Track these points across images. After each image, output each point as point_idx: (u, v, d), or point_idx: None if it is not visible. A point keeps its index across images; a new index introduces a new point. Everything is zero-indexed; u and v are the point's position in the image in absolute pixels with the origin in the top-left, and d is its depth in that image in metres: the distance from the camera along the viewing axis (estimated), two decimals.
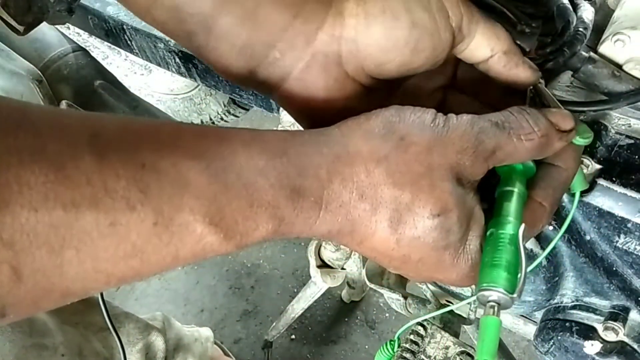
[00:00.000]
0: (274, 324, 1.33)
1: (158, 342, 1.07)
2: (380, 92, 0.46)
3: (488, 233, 0.41)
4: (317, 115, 0.44)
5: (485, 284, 0.39)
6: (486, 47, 0.45)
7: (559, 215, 0.57)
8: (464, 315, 0.67)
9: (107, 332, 0.96)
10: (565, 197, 0.56)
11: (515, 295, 0.39)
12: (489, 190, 0.43)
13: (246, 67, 0.44)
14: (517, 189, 0.42)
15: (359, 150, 0.38)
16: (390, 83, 0.46)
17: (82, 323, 0.94)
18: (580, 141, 0.45)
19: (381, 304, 1.52)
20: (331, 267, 0.80)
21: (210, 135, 0.36)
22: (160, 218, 0.31)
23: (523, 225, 0.41)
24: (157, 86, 1.41)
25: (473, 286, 0.60)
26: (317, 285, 0.87)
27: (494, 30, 0.45)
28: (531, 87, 0.49)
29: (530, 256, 0.59)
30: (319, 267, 0.79)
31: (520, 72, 0.46)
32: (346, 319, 1.51)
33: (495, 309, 0.39)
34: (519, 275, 0.40)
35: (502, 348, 0.90)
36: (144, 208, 0.30)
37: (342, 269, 0.80)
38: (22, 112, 0.29)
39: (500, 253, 0.39)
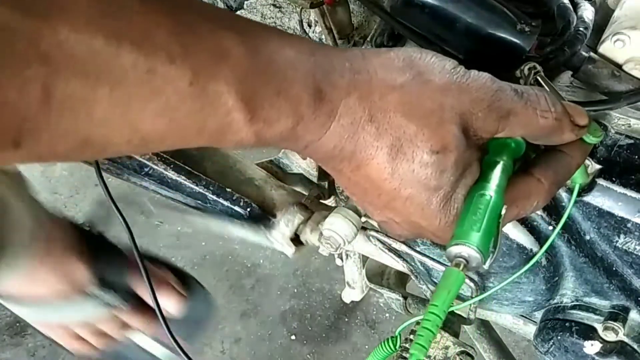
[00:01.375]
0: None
1: None
2: None
3: (469, 195, 0.41)
4: None
5: (457, 239, 0.39)
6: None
7: (558, 216, 0.57)
8: (464, 315, 0.67)
9: None
10: (565, 198, 0.56)
11: (485, 259, 0.39)
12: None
13: None
14: (503, 160, 0.42)
15: (378, 73, 0.38)
16: None
17: None
18: (591, 139, 0.45)
19: (381, 304, 1.52)
20: (302, 245, 0.79)
21: (250, 20, 0.36)
22: (196, 79, 0.31)
23: (505, 208, 0.41)
24: None
25: (472, 284, 0.59)
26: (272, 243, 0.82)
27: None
28: (535, 79, 0.49)
29: (530, 256, 0.58)
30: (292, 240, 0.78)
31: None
32: (346, 319, 1.51)
33: (462, 265, 0.39)
34: (491, 242, 0.40)
35: (501, 348, 0.90)
36: (183, 64, 0.30)
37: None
38: None
39: (478, 214, 0.39)
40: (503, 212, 0.41)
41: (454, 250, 0.39)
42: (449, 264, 0.40)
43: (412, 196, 0.40)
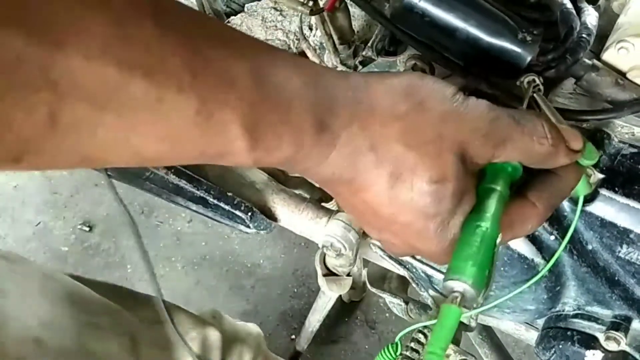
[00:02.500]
0: (296, 340, 1.34)
1: (214, 334, 1.03)
2: None
3: (464, 225, 0.41)
4: None
5: (453, 274, 0.39)
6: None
7: (560, 226, 0.56)
8: (465, 322, 0.67)
9: (160, 325, 0.94)
10: (567, 208, 0.55)
11: (480, 292, 0.39)
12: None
13: None
14: (500, 188, 0.42)
15: (380, 102, 0.39)
16: None
17: (135, 315, 0.92)
18: (585, 162, 0.44)
19: (381, 304, 1.52)
20: (336, 275, 0.80)
21: (258, 42, 0.36)
22: (203, 108, 0.31)
23: (500, 235, 0.41)
24: None
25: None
26: (327, 295, 0.87)
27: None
28: (531, 94, 0.49)
29: (532, 265, 0.58)
30: (324, 275, 0.79)
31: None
32: (346, 319, 1.51)
33: (458, 300, 0.39)
34: (486, 274, 0.40)
35: (503, 353, 0.90)
36: (191, 92, 0.30)
37: (348, 275, 0.80)
38: None
39: (473, 247, 0.40)
40: (498, 241, 0.41)
41: (450, 285, 0.39)
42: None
43: (409, 222, 0.40)
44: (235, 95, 0.32)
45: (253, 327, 1.18)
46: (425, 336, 0.64)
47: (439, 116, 0.39)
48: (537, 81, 0.50)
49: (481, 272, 0.39)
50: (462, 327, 0.67)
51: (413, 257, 0.66)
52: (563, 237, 0.57)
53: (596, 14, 0.56)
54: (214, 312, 1.11)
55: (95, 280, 0.95)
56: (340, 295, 1.51)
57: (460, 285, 0.39)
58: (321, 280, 0.79)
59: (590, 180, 0.53)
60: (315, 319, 1.19)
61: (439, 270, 0.64)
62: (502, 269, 0.59)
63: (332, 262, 0.77)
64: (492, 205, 0.41)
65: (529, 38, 0.52)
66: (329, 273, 0.80)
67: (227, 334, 1.07)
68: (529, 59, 0.51)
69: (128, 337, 0.85)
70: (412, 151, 0.38)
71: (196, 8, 1.08)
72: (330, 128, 0.37)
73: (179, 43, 0.30)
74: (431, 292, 0.74)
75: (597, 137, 0.55)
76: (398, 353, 0.64)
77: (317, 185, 0.43)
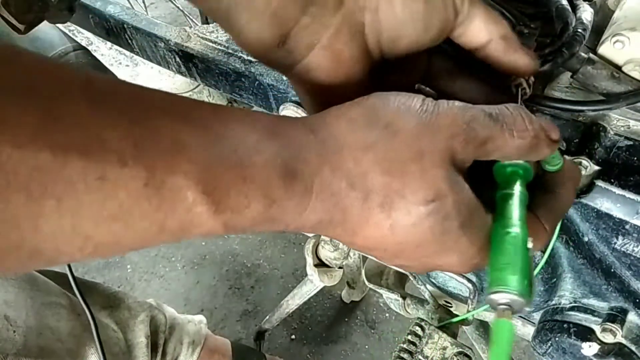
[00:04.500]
0: (268, 317, 1.33)
1: (159, 317, 1.09)
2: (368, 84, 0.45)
3: (492, 234, 0.40)
4: (333, 92, 0.44)
5: (496, 286, 0.37)
6: (485, 31, 0.44)
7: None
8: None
9: (111, 309, 1.00)
10: None
11: (528, 298, 0.37)
12: (481, 193, 0.43)
13: (277, 34, 0.42)
14: (518, 191, 0.41)
15: (345, 139, 0.37)
16: (374, 77, 0.45)
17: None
18: (549, 168, 0.44)
19: (381, 304, 1.52)
20: (328, 267, 0.80)
21: (204, 105, 0.34)
22: (151, 179, 0.29)
23: (531, 239, 0.39)
24: (150, 83, 1.41)
25: (469, 285, 0.59)
26: (314, 284, 0.87)
27: (493, 15, 0.45)
28: (522, 87, 0.49)
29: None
30: (316, 265, 0.79)
31: (519, 57, 0.45)
32: (346, 319, 1.51)
33: (508, 312, 0.37)
34: (529, 280, 0.38)
35: None
36: (137, 165, 0.28)
37: (340, 267, 0.80)
38: (14, 52, 0.27)
39: (509, 255, 0.38)
40: (530, 245, 0.39)
41: (496, 298, 0.37)
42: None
43: (421, 246, 0.38)
44: (186, 160, 0.30)
45: (196, 317, 1.23)
46: (423, 329, 0.64)
47: (411, 134, 0.37)
48: (524, 85, 0.49)
49: (522, 278, 0.37)
50: (459, 321, 0.67)
51: None
52: (559, 229, 0.57)
53: (591, 10, 0.57)
54: (156, 301, 1.15)
55: (46, 269, 0.99)
56: (341, 295, 1.52)
57: (506, 297, 0.37)
58: (311, 270, 0.79)
59: (586, 172, 0.53)
60: (294, 303, 1.19)
61: None
62: None
63: (327, 254, 0.77)
64: (515, 209, 0.40)
65: (526, 31, 0.52)
66: (321, 264, 0.80)
67: (169, 319, 1.13)
68: None
69: (85, 317, 0.88)
70: (395, 177, 0.36)
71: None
72: (301, 176, 0.35)
73: (116, 118, 0.28)
74: (429, 286, 0.75)
75: (593, 130, 0.55)
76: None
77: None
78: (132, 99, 0.30)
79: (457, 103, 0.39)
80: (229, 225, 0.33)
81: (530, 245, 0.40)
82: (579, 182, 0.46)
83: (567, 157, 0.53)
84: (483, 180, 0.42)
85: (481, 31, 0.44)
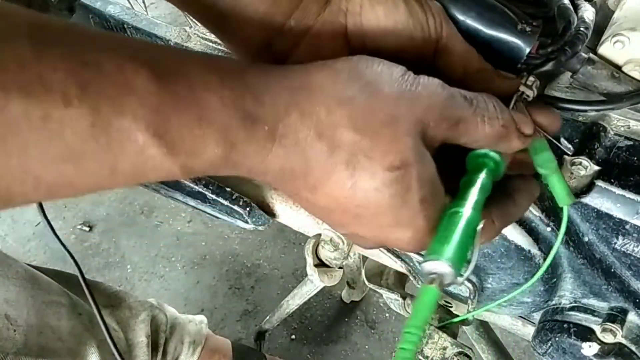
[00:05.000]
0: (268, 317, 1.33)
1: (160, 316, 1.09)
2: None
3: (448, 211, 0.40)
4: None
5: (430, 254, 0.38)
6: (460, 67, 0.45)
7: (557, 217, 0.57)
8: (459, 282, 0.67)
9: (111, 309, 1.00)
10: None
11: (460, 275, 0.38)
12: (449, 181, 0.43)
13: (265, 38, 0.44)
14: (483, 179, 0.42)
15: (323, 88, 0.36)
16: None
17: (86, 300, 0.97)
18: (542, 171, 0.44)
19: (381, 304, 1.52)
20: (328, 267, 0.79)
21: (164, 47, 0.34)
22: (98, 119, 0.28)
23: (483, 221, 0.40)
24: None
25: (469, 285, 0.59)
26: (314, 284, 0.87)
27: (467, 49, 0.45)
28: (517, 93, 0.49)
29: (528, 257, 0.58)
30: (316, 265, 0.79)
31: (500, 84, 0.46)
32: (346, 319, 1.51)
33: (436, 281, 0.38)
34: (467, 256, 0.39)
35: (500, 349, 0.90)
36: (81, 105, 0.28)
37: (340, 267, 0.80)
38: None
39: (452, 230, 0.39)
40: (479, 227, 0.40)
41: (427, 266, 0.38)
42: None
43: (378, 214, 0.38)
44: (135, 102, 0.30)
45: (197, 317, 1.23)
46: (424, 331, 0.64)
47: (390, 98, 0.37)
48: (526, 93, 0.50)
49: (460, 253, 0.38)
50: (460, 321, 0.67)
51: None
52: (559, 229, 0.57)
53: (593, 9, 0.57)
54: (157, 300, 1.15)
55: (47, 268, 1.00)
56: (341, 295, 1.52)
57: (438, 266, 0.38)
58: (311, 270, 0.79)
59: (586, 172, 0.53)
60: (294, 303, 1.19)
61: None
62: (499, 260, 0.60)
63: (327, 254, 0.77)
64: (473, 193, 0.41)
65: (528, 29, 0.52)
66: (320, 264, 0.80)
67: (170, 319, 1.13)
68: (528, 50, 0.51)
69: (85, 317, 0.90)
70: (366, 136, 0.36)
71: None
72: (262, 120, 0.34)
73: (61, 58, 0.28)
74: None
75: (594, 130, 0.56)
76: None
77: (275, 188, 0.41)
78: (81, 40, 0.30)
79: (436, 80, 0.39)
80: (186, 169, 0.33)
81: (479, 227, 0.40)
82: (535, 197, 0.46)
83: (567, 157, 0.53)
84: (453, 171, 0.42)
85: (457, 67, 0.45)
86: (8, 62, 0.27)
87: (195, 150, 0.32)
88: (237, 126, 0.33)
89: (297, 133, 0.35)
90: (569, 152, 0.45)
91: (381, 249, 0.71)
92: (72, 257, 0.86)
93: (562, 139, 0.45)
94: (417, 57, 0.44)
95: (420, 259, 0.66)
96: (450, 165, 0.42)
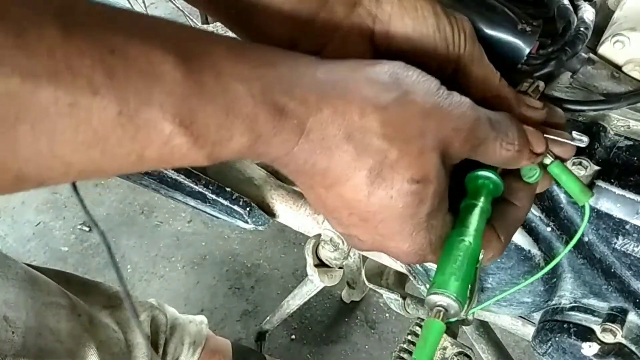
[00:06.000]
0: (268, 317, 1.33)
1: (160, 317, 1.09)
2: None
3: (448, 239, 0.41)
4: None
5: (437, 287, 0.39)
6: (479, 92, 0.45)
7: (557, 217, 0.57)
8: (462, 316, 0.67)
9: (111, 310, 1.00)
10: (564, 199, 0.55)
11: (463, 307, 0.39)
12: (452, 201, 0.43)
13: (290, 37, 0.43)
14: (482, 204, 0.42)
15: (360, 90, 0.36)
16: None
17: (86, 300, 0.96)
18: (529, 180, 0.45)
19: (381, 304, 1.52)
20: (328, 267, 0.80)
21: (193, 32, 0.33)
22: (125, 108, 0.29)
23: (483, 252, 0.41)
24: None
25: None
26: (314, 284, 0.87)
27: (487, 72, 0.46)
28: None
29: (528, 257, 0.58)
30: (316, 266, 0.79)
31: (525, 111, 0.46)
32: (346, 319, 1.51)
33: (442, 314, 0.38)
34: (469, 289, 0.40)
35: (500, 349, 0.90)
36: (108, 94, 0.28)
37: (340, 267, 0.80)
38: None
39: (456, 262, 0.39)
40: (481, 257, 0.41)
41: (433, 299, 0.39)
42: None
43: (385, 221, 0.38)
44: (162, 91, 0.30)
45: (197, 317, 1.23)
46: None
47: (423, 111, 0.37)
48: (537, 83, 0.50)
49: (464, 286, 0.39)
50: (459, 321, 0.67)
51: None
52: (559, 229, 0.57)
53: (593, 10, 0.57)
54: (157, 301, 1.15)
55: (47, 268, 1.00)
56: (341, 295, 1.52)
57: (444, 300, 0.38)
58: (311, 270, 0.79)
59: (587, 172, 0.53)
60: (294, 303, 1.19)
61: None
62: (498, 260, 0.60)
63: (327, 254, 0.77)
64: (475, 220, 0.42)
65: (528, 29, 0.52)
66: (321, 264, 0.80)
67: (170, 319, 1.13)
68: (528, 50, 0.51)
69: (85, 318, 0.90)
70: (395, 147, 0.36)
71: None
72: (293, 113, 0.34)
73: (87, 44, 0.28)
74: (429, 286, 0.75)
75: (594, 130, 0.55)
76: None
77: (289, 177, 0.41)
78: (109, 25, 0.30)
79: (467, 100, 0.39)
80: (213, 157, 0.33)
81: (481, 257, 0.41)
82: (534, 192, 0.46)
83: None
84: (452, 187, 0.42)
85: (475, 90, 0.45)
86: (38, 48, 0.27)
87: (222, 141, 0.32)
88: (265, 118, 0.33)
89: (325, 130, 0.35)
90: (583, 145, 0.45)
91: None
92: (97, 226, 0.84)
93: (574, 133, 0.45)
94: (439, 70, 0.44)
95: (429, 265, 0.66)
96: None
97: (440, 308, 0.38)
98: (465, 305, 0.39)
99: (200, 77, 0.31)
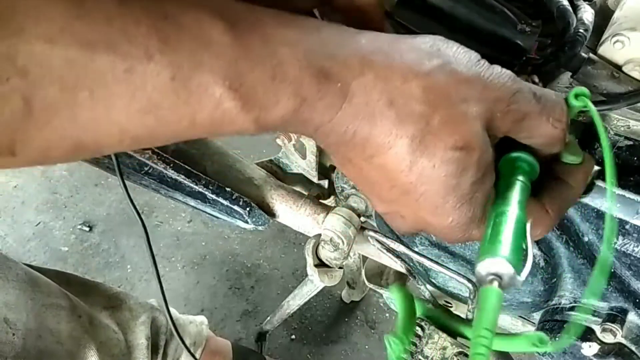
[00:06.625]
0: (269, 318, 1.33)
1: (161, 318, 1.09)
2: None
3: (490, 213, 0.39)
4: None
5: (486, 255, 0.36)
6: None
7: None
8: (462, 316, 0.67)
9: (111, 311, 1.00)
10: None
11: (519, 275, 0.36)
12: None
13: (312, 6, 0.44)
14: (521, 180, 0.41)
15: (402, 56, 0.36)
16: None
17: (87, 301, 0.96)
18: (570, 158, 0.44)
19: (381, 304, 1.52)
20: (328, 267, 0.80)
21: (241, 3, 0.34)
22: (178, 73, 0.30)
23: (531, 222, 0.39)
24: None
25: (469, 285, 0.59)
26: (314, 284, 0.87)
27: None
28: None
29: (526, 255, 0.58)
30: (316, 266, 0.79)
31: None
32: (346, 319, 1.51)
33: (497, 282, 0.35)
34: (522, 256, 0.37)
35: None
36: (162, 59, 0.29)
37: (340, 267, 0.80)
38: None
39: (503, 229, 0.37)
40: (528, 227, 0.39)
41: (484, 267, 0.36)
42: (447, 264, 0.40)
43: (427, 192, 0.37)
44: (212, 55, 0.31)
45: (197, 317, 1.23)
46: (423, 328, 0.64)
47: (465, 79, 0.36)
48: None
49: (516, 251, 0.36)
50: (460, 320, 0.67)
51: (410, 249, 0.66)
52: (559, 228, 0.57)
53: (592, 11, 0.57)
54: (158, 301, 1.15)
55: (47, 268, 1.00)
56: (341, 295, 1.52)
57: (496, 265, 0.35)
58: (311, 270, 0.79)
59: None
60: (295, 304, 1.19)
61: (436, 262, 0.64)
62: None
63: (327, 254, 0.77)
64: (516, 193, 0.40)
65: (527, 29, 0.52)
66: (321, 264, 0.80)
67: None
68: (527, 50, 0.52)
69: (85, 319, 0.90)
70: (437, 113, 0.35)
71: None
72: (336, 76, 0.34)
73: (142, 12, 0.29)
74: (429, 286, 0.75)
75: (594, 130, 0.55)
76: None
77: (329, 152, 0.40)
78: None
79: (508, 72, 0.39)
80: (260, 123, 0.34)
81: (529, 225, 0.39)
82: (590, 174, 0.46)
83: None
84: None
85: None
86: (94, 17, 0.28)
87: (268, 104, 0.33)
88: (310, 81, 0.34)
89: (369, 95, 0.35)
90: None
91: (381, 248, 0.71)
92: (129, 198, 0.85)
93: None
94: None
95: (422, 259, 0.66)
96: None
97: (494, 276, 0.36)
98: (522, 272, 0.36)
99: (248, 41, 0.32)
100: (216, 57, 0.31)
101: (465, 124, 0.36)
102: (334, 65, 0.34)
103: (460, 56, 0.38)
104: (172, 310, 1.17)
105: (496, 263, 0.36)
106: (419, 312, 0.66)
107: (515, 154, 0.42)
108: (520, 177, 0.41)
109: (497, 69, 0.38)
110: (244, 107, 0.32)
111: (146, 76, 0.29)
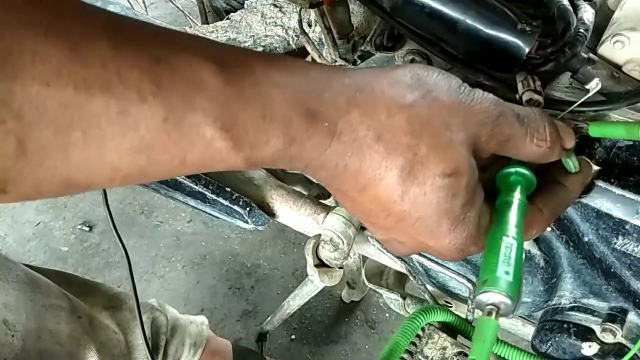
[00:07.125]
0: (269, 318, 1.33)
1: (161, 318, 1.09)
2: None
3: (489, 237, 0.41)
4: None
5: (487, 286, 0.38)
6: None
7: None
8: (462, 317, 0.67)
9: (111, 311, 1.00)
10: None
11: (516, 305, 0.38)
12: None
13: None
14: (520, 199, 0.42)
15: (384, 92, 0.37)
16: None
17: (87, 301, 0.96)
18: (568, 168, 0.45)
19: (381, 304, 1.52)
20: (329, 267, 0.80)
21: (229, 45, 0.35)
22: (170, 115, 0.31)
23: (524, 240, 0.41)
24: None
25: (469, 285, 0.59)
26: (314, 284, 0.88)
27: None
28: (533, 101, 0.49)
29: (528, 257, 0.58)
30: (316, 266, 0.79)
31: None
32: (346, 319, 1.51)
33: (494, 312, 0.37)
34: (519, 285, 0.39)
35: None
36: (155, 101, 0.30)
37: (340, 267, 0.80)
38: None
39: (502, 258, 0.39)
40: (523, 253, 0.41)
41: (485, 297, 0.38)
42: (447, 264, 0.40)
43: (422, 219, 0.39)
44: (204, 97, 0.32)
45: (198, 318, 1.23)
46: (423, 329, 0.64)
47: (447, 106, 0.38)
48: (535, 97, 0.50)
49: (515, 283, 0.38)
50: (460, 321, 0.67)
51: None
52: (559, 228, 0.57)
53: (592, 10, 0.57)
54: (158, 302, 1.16)
55: (47, 268, 1.00)
56: (341, 295, 1.52)
57: (496, 298, 0.37)
58: (311, 270, 0.79)
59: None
60: (295, 304, 1.19)
61: (436, 262, 0.64)
62: None
63: (327, 254, 0.77)
64: (514, 215, 0.41)
65: (527, 29, 0.52)
66: (321, 264, 0.80)
67: (171, 320, 1.13)
68: (527, 50, 0.51)
69: (85, 319, 0.90)
70: (423, 142, 0.37)
71: (196, 6, 1.09)
72: (323, 116, 0.35)
73: (136, 55, 0.30)
74: (429, 287, 0.75)
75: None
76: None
77: (322, 184, 0.42)
78: (153, 38, 0.32)
79: (490, 96, 0.40)
80: (250, 161, 0.35)
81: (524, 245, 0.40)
82: (588, 179, 0.47)
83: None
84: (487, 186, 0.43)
85: None
86: (89, 60, 0.28)
87: (258, 143, 0.34)
88: (298, 121, 0.35)
89: (356, 131, 0.36)
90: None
91: (381, 248, 0.71)
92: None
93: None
94: None
95: (422, 259, 0.66)
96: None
97: (493, 307, 0.38)
98: (517, 302, 0.38)
99: (239, 84, 0.33)
100: (208, 99, 0.32)
101: (451, 151, 0.37)
102: (321, 105, 0.36)
103: (441, 83, 0.39)
104: (172, 310, 1.17)
105: (497, 296, 0.37)
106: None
107: (511, 169, 0.43)
108: (518, 195, 0.42)
109: (478, 93, 0.40)
110: (235, 146, 0.33)
111: (139, 118, 0.30)
